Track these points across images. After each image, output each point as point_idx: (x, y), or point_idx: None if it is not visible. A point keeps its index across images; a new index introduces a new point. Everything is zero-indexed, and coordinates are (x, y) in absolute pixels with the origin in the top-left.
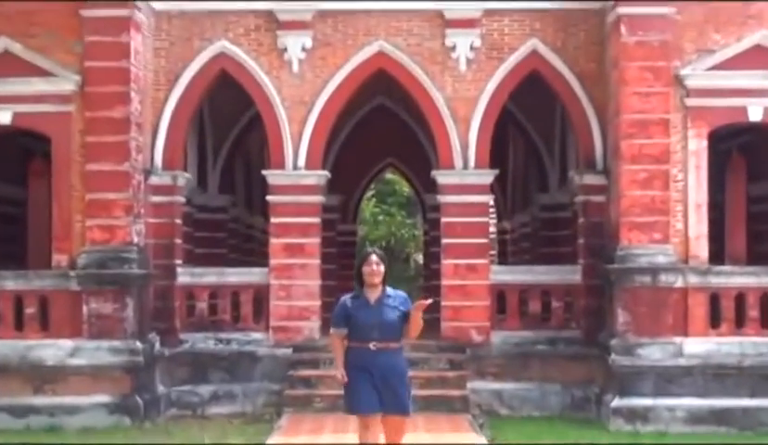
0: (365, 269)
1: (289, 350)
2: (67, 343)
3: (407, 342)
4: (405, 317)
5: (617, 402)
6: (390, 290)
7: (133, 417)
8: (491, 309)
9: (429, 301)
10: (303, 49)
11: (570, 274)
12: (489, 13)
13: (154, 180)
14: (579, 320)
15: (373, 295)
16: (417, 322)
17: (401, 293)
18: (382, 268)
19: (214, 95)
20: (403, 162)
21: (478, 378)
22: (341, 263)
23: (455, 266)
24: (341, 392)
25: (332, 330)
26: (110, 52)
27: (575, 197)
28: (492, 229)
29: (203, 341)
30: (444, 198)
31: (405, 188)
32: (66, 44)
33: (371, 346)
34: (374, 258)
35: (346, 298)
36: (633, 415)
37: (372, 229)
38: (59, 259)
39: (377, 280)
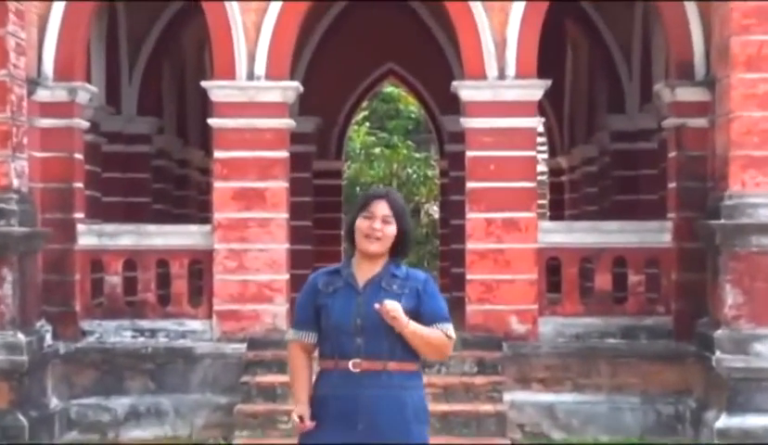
0: (362, 223)
1: (243, 346)
2: None
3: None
4: (417, 314)
5: (724, 422)
6: (398, 268)
7: (13, 444)
8: (539, 285)
9: (394, 309)
10: None
11: (656, 234)
12: None
13: (42, 95)
14: (668, 301)
15: (366, 272)
16: (414, 338)
17: (417, 273)
18: (393, 227)
19: None
20: (409, 69)
21: (520, 387)
22: (319, 218)
23: (487, 222)
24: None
25: (290, 334)
26: None
27: (663, 120)
28: (541, 168)
29: (116, 333)
30: (471, 122)
31: (413, 108)
32: None
33: (351, 366)
34: (382, 205)
35: (319, 274)
36: (747, 439)
37: (364, 168)
38: None
39: (379, 247)
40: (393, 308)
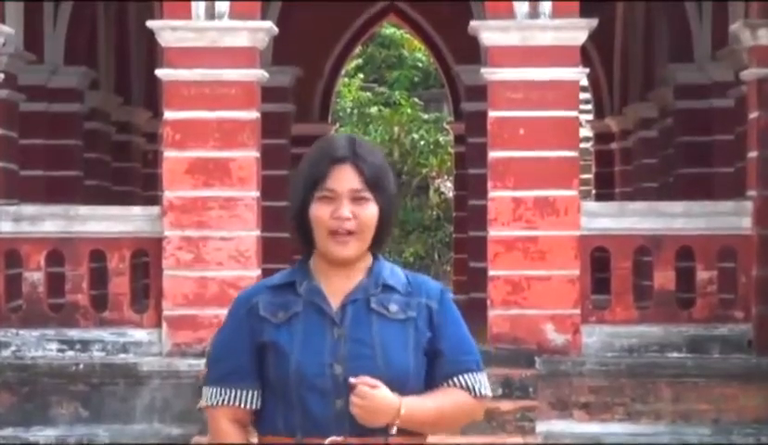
0: (320, 210)
1: (200, 362)
2: None
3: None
4: (434, 354)
5: None
6: (392, 272)
7: None
8: (581, 284)
9: (373, 395)
10: None
11: (732, 218)
12: None
13: None
14: (747, 304)
15: (339, 283)
16: (417, 424)
17: (425, 281)
18: (372, 206)
19: None
20: (415, 5)
21: (557, 414)
22: None
23: (515, 203)
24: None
25: (208, 396)
26: None
27: (742, 70)
28: (584, 133)
29: (38, 345)
30: (495, 74)
31: (420, 55)
32: None
33: None
34: (348, 172)
35: (255, 291)
36: None
37: (358, 132)
38: None
39: (354, 248)
40: (373, 395)
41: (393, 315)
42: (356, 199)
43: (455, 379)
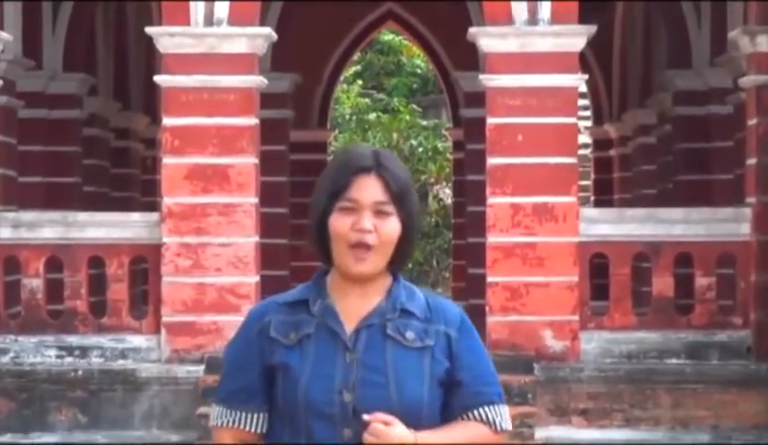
0: (340, 222)
1: (199, 369)
2: None
3: None
4: (452, 384)
5: None
6: (411, 296)
7: None
8: (580, 290)
9: (382, 423)
10: None
11: (731, 225)
12: None
13: None
14: (746, 311)
15: (355, 304)
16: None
17: (444, 305)
18: (394, 221)
19: None
20: (414, 11)
21: (556, 420)
22: (298, 204)
23: (514, 209)
24: None
25: (216, 415)
26: None
27: (741, 76)
28: (583, 139)
29: (37, 351)
30: (493, 80)
31: (420, 61)
32: None
33: None
34: (372, 183)
35: (267, 307)
36: None
37: (356, 138)
38: None
39: (373, 264)
40: (387, 433)
41: (410, 343)
42: (379, 212)
43: (475, 412)
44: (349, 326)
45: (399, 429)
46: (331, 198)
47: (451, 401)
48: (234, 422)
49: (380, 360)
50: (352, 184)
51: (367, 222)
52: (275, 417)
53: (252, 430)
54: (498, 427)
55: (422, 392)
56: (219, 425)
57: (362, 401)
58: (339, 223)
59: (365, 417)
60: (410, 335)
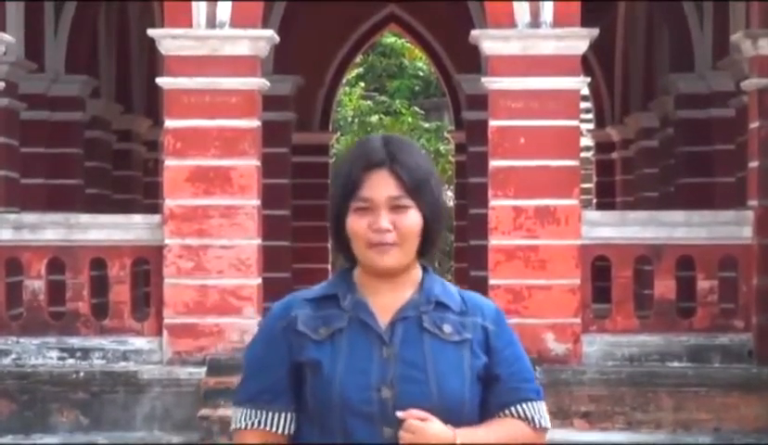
0: (357, 223)
1: (201, 371)
2: None
3: None
4: (489, 380)
5: None
6: (444, 289)
7: None
8: (582, 293)
9: (425, 428)
10: None
11: (733, 228)
12: None
13: None
14: (748, 314)
15: (387, 297)
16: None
17: (479, 300)
18: (414, 213)
19: None
20: (416, 14)
21: (558, 423)
22: (300, 206)
23: (516, 212)
24: None
25: (239, 417)
26: None
27: (743, 79)
28: (585, 142)
29: (39, 353)
30: (495, 83)
31: (422, 63)
32: None
33: None
34: (384, 178)
35: (293, 302)
36: None
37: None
38: None
39: (397, 258)
40: (424, 430)
41: (447, 337)
42: (395, 207)
43: (514, 408)
44: (383, 320)
45: (437, 426)
46: (345, 198)
47: (487, 397)
48: (260, 423)
49: (419, 354)
50: (365, 181)
51: (384, 220)
52: (302, 418)
53: (280, 431)
54: (537, 425)
55: (463, 388)
56: (243, 427)
57: (401, 398)
58: (356, 225)
59: (400, 414)
60: (447, 328)
